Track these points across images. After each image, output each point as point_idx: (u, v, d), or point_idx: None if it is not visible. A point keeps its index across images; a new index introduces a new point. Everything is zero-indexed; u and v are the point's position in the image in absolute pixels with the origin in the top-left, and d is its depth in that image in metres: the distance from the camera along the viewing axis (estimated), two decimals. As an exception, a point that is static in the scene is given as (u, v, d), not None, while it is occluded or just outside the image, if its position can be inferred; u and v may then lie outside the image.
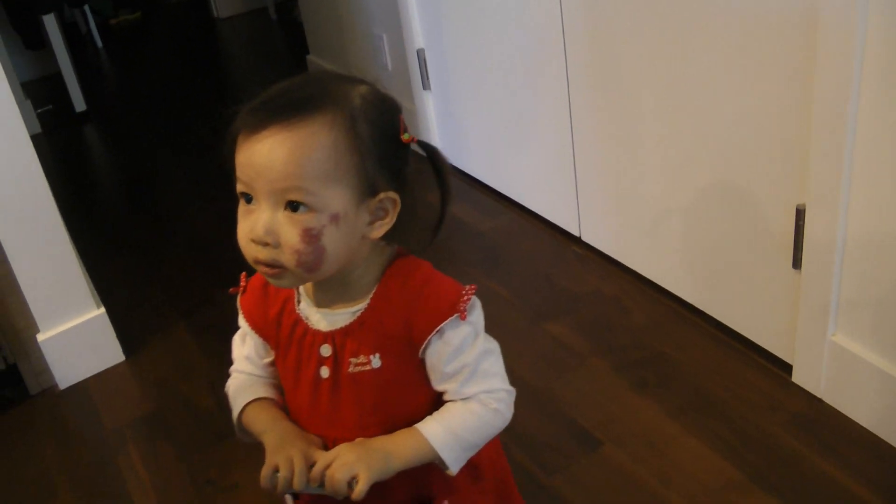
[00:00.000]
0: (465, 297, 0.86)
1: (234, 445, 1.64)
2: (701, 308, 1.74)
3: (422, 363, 0.88)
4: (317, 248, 0.79)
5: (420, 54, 2.42)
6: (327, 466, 0.84)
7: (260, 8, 4.55)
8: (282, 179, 0.77)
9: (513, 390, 0.91)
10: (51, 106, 3.55)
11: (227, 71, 4.01)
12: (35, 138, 1.99)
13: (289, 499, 0.96)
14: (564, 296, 1.90)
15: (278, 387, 0.97)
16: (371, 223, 0.84)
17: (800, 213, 1.40)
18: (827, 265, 1.38)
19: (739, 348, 1.65)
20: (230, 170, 0.82)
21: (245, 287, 0.95)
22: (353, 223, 0.81)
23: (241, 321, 0.95)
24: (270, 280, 0.84)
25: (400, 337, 0.86)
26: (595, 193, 1.94)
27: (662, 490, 1.39)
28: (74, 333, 1.85)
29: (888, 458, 1.39)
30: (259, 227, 0.79)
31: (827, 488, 1.35)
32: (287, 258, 0.80)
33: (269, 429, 0.91)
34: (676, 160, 1.66)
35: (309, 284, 0.90)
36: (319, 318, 0.89)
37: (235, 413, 0.95)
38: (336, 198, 0.79)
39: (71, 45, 3.75)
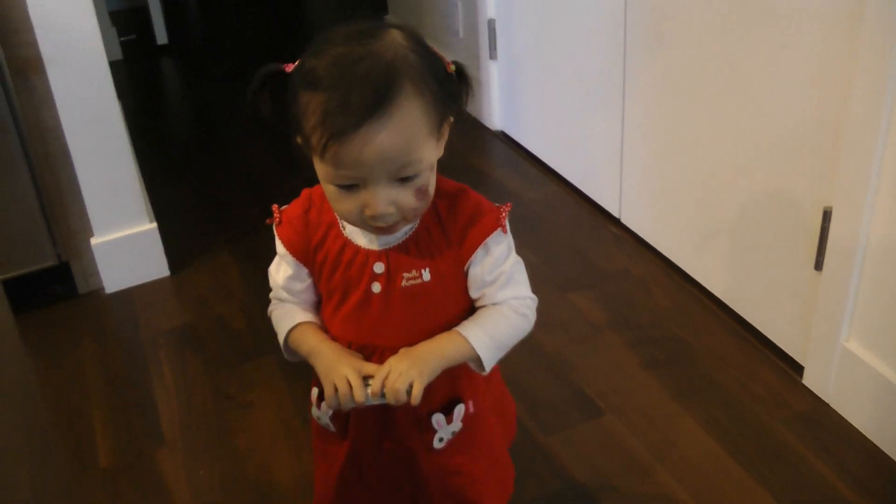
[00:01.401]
0: (504, 213, 0.95)
1: (256, 367, 1.73)
2: (723, 299, 1.76)
3: (465, 274, 0.96)
4: (427, 197, 0.89)
5: (490, 24, 2.46)
6: (385, 379, 0.91)
7: (348, -38, 4.60)
8: (395, 162, 0.83)
9: (536, 298, 1.00)
10: (134, 36, 3.66)
11: (306, 20, 4.09)
12: (115, 64, 2.10)
13: (326, 419, 1.04)
14: (593, 271, 1.94)
15: (317, 309, 1.03)
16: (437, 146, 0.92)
17: (826, 215, 1.42)
18: (846, 270, 1.39)
19: (755, 343, 1.67)
20: (301, 144, 0.87)
21: (280, 218, 0.99)
22: (436, 158, 0.90)
23: (280, 248, 1.00)
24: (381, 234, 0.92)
25: (449, 252, 0.95)
26: (638, 179, 1.96)
27: (654, 464, 1.43)
28: (126, 242, 1.95)
29: (884, 467, 1.40)
30: (381, 205, 0.85)
31: (816, 486, 1.38)
32: (407, 216, 0.88)
33: (317, 351, 0.97)
34: (716, 156, 1.68)
35: None
36: (371, 239, 0.95)
37: (282, 337, 1.02)
38: (430, 150, 0.87)
39: (161, -21, 3.86)
